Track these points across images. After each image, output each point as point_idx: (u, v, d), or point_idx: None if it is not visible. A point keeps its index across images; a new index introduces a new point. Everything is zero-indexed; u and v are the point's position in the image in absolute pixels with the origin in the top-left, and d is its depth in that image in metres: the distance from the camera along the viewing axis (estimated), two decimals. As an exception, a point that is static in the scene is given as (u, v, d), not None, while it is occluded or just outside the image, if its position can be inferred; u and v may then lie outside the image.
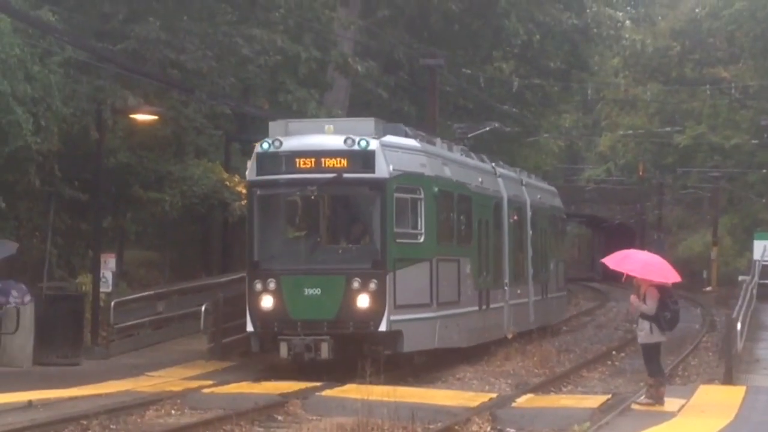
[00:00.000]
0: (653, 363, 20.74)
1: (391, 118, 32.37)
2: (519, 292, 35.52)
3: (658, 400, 20.40)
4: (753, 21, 68.42)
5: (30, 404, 20.65)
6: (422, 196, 26.32)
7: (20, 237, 29.99)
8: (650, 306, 20.02)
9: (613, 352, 33.54)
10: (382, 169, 25.12)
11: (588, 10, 56.54)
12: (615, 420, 18.86)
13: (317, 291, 25.05)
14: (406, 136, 27.41)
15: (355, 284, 24.80)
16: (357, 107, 32.12)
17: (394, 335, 25.03)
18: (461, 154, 32.19)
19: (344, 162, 25.14)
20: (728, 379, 24.26)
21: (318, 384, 23.99)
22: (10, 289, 26.22)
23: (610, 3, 65.60)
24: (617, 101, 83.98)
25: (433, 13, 45.98)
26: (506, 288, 33.90)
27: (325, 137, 25.72)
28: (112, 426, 19.24)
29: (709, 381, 24.66)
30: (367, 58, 41.28)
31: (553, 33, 53.35)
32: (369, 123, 26.68)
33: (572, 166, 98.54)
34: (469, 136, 42.70)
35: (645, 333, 20.47)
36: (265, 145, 25.54)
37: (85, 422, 19.05)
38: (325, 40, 37.89)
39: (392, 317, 24.75)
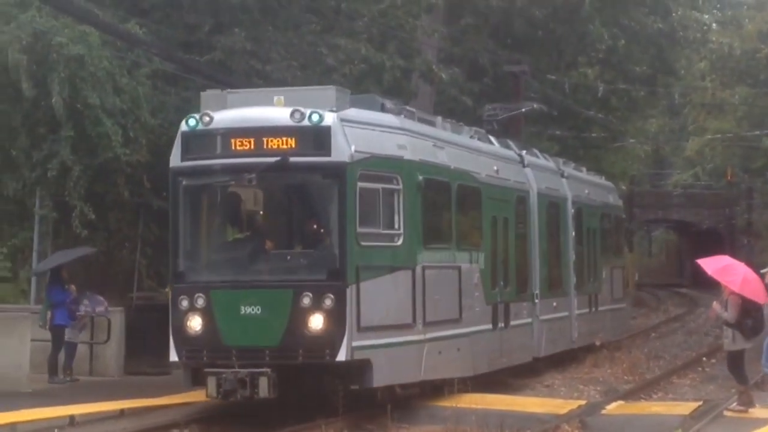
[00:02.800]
0: (739, 369, 20.66)
1: (475, 125, 30.52)
2: (555, 305, 29.49)
3: (749, 405, 20.31)
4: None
5: (122, 413, 21.06)
6: (400, 186, 20.18)
7: (110, 248, 30.65)
8: (731, 314, 19.99)
9: (704, 359, 33.26)
10: (341, 150, 18.84)
11: (674, 14, 56.26)
12: (707, 427, 18.83)
13: (257, 310, 18.75)
14: (383, 110, 21.32)
15: (306, 300, 18.55)
16: (441, 114, 31.11)
17: (359, 365, 18.96)
18: (471, 137, 26.28)
19: (291, 142, 18.90)
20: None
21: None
22: (83, 299, 26.34)
23: (696, 6, 65.23)
24: (704, 105, 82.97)
25: (516, 19, 46.00)
26: (536, 301, 27.91)
27: (268, 110, 19.60)
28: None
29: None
30: (451, 66, 41.45)
31: (639, 37, 53.08)
32: (329, 92, 20.69)
33: (659, 171, 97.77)
34: (500, 117, 34.66)
35: (729, 340, 20.53)
36: (192, 122, 19.56)
37: (176, 431, 19.45)
38: (409, 48, 37.91)
39: (355, 342, 18.66)
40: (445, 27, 42.80)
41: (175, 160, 20.08)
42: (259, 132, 19.23)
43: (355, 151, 19.27)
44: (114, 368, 27.20)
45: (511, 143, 29.73)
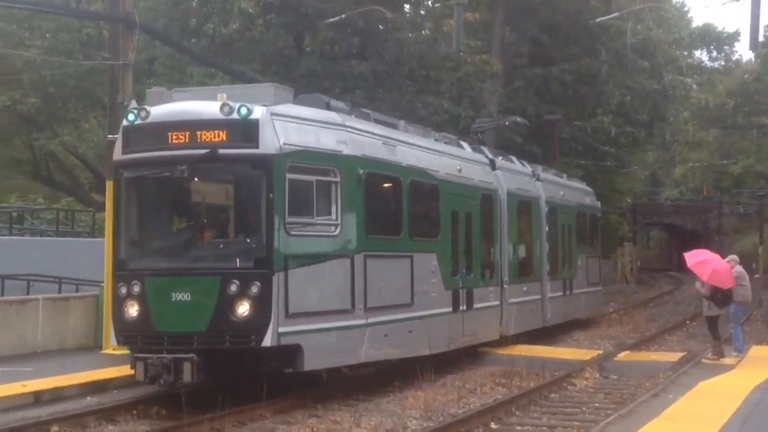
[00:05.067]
0: (713, 329, 20.53)
1: (523, 157, 29.95)
2: (526, 289, 24.66)
3: (721, 355, 20.10)
4: (788, 82, 67.25)
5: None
6: (338, 178, 15.83)
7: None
8: (707, 291, 19.90)
9: (687, 322, 32.77)
10: (269, 142, 14.82)
11: (665, 78, 55.82)
12: (689, 370, 18.59)
13: (186, 296, 14.60)
14: (328, 108, 16.88)
15: (233, 287, 14.44)
16: (502, 149, 31.14)
17: (289, 350, 14.84)
18: (437, 140, 21.44)
19: (222, 135, 14.85)
20: (773, 341, 23.79)
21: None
22: None
23: (681, 72, 64.80)
24: (687, 142, 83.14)
25: (553, 82, 45.74)
26: (505, 286, 23.00)
27: (201, 104, 15.41)
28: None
29: (759, 343, 24.04)
30: (508, 115, 41.46)
31: (640, 94, 52.64)
32: (268, 89, 16.50)
33: (654, 189, 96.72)
34: (481, 129, 30.21)
35: (706, 308, 20.48)
36: (131, 116, 15.34)
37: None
38: (477, 103, 37.96)
39: (282, 328, 14.54)
40: (503, 88, 42.75)
41: (117, 153, 15.87)
42: (191, 125, 14.94)
43: (284, 144, 14.93)
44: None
45: (484, 149, 24.71)
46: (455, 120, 34.23)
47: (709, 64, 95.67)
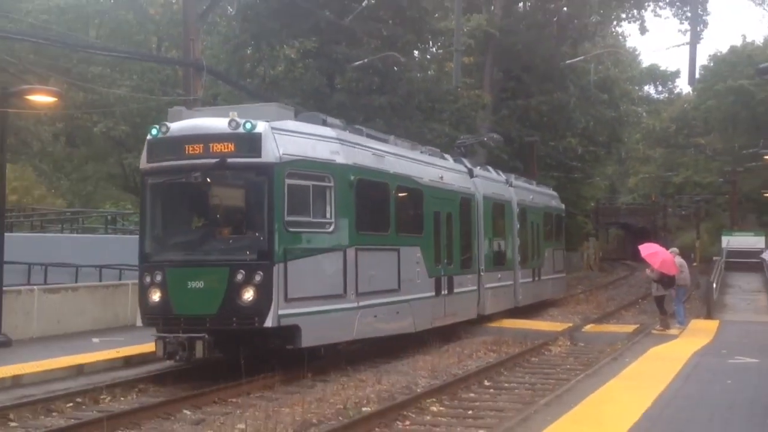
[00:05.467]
0: (661, 306, 20.40)
1: (508, 171, 29.50)
2: (500, 276, 23.56)
3: (667, 327, 19.96)
4: (718, 111, 66.55)
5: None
6: (332, 183, 15.05)
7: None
8: (655, 275, 19.77)
9: (640, 300, 32.62)
10: (270, 152, 14.08)
11: (621, 107, 55.74)
12: (642, 339, 18.48)
13: (200, 284, 13.94)
14: (325, 124, 16.03)
15: (239, 276, 13.71)
16: (483, 163, 31.30)
17: (289, 330, 14.04)
18: (422, 152, 20.22)
19: (231, 146, 14.13)
20: (709, 316, 23.54)
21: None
22: None
23: (634, 103, 64.86)
24: (638, 158, 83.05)
25: (532, 111, 45.63)
26: (482, 274, 22.00)
27: (213, 120, 14.65)
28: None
29: (698, 317, 23.86)
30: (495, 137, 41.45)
31: (601, 121, 52.66)
32: (272, 108, 15.75)
33: (613, 195, 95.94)
34: (464, 144, 28.75)
35: (654, 290, 20.32)
36: (154, 131, 14.82)
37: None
38: (472, 128, 37.84)
39: (282, 311, 13.81)
40: (492, 116, 42.66)
41: (143, 162, 15.16)
42: (204, 138, 14.26)
43: (284, 154, 14.10)
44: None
45: (464, 160, 23.48)
46: (454, 141, 34.13)
47: (655, 96, 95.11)
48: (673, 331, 19.59)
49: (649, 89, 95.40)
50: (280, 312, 13.72)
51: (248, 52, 34.05)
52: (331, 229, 14.98)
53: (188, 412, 12.01)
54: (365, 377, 14.42)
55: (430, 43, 42.82)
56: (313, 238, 14.76)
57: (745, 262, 45.19)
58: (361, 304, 15.54)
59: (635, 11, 54.52)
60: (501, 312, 23.57)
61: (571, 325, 22.69)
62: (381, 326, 16.45)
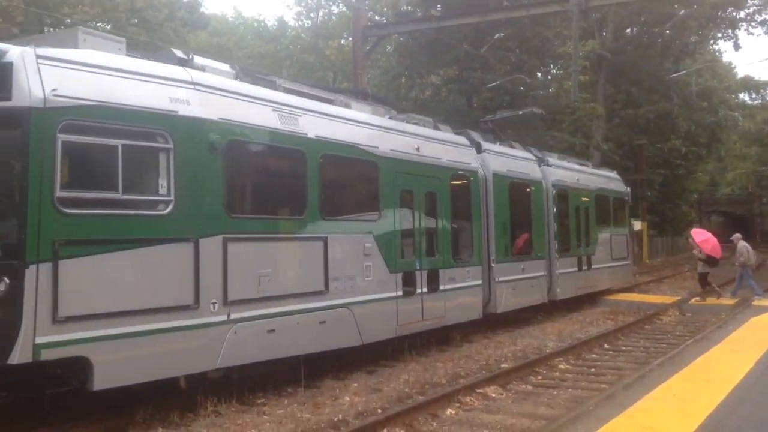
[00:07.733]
0: (703, 282, 20.07)
1: (619, 170, 26.47)
2: (523, 267, 15.94)
3: (711, 296, 19.70)
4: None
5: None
6: (170, 144, 7.91)
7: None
8: (703, 255, 19.48)
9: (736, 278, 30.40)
10: (25, 92, 6.77)
11: (719, 113, 52.68)
12: (743, 311, 17.24)
13: None
14: (184, 64, 8.81)
15: None
16: (605, 166, 29.73)
17: (68, 365, 7.01)
18: (391, 118, 12.91)
19: None
20: None
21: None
22: None
23: (730, 108, 61.13)
24: (736, 156, 78.29)
25: (640, 119, 43.62)
26: (492, 265, 14.57)
27: None
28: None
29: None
30: (608, 142, 39.81)
31: (702, 125, 50.06)
32: (73, 34, 7.92)
33: (713, 188, 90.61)
34: (491, 120, 19.35)
35: (700, 267, 19.86)
36: None
37: None
38: (588, 135, 36.65)
39: (44, 338, 6.71)
40: (605, 124, 41.09)
41: None
42: None
43: (55, 96, 7.08)
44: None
45: (472, 133, 15.77)
46: (572, 147, 33.18)
47: (749, 102, 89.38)
48: (710, 301, 19.04)
49: (744, 97, 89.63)
50: (40, 339, 6.89)
51: (403, 80, 34.65)
52: (167, 210, 8.03)
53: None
54: (502, 339, 14.25)
55: (551, 65, 41.82)
56: (122, 224, 7.63)
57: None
58: (237, 316, 8.71)
59: (730, 31, 51.42)
60: (525, 309, 16.44)
61: (679, 298, 21.50)
62: (285, 344, 9.46)
